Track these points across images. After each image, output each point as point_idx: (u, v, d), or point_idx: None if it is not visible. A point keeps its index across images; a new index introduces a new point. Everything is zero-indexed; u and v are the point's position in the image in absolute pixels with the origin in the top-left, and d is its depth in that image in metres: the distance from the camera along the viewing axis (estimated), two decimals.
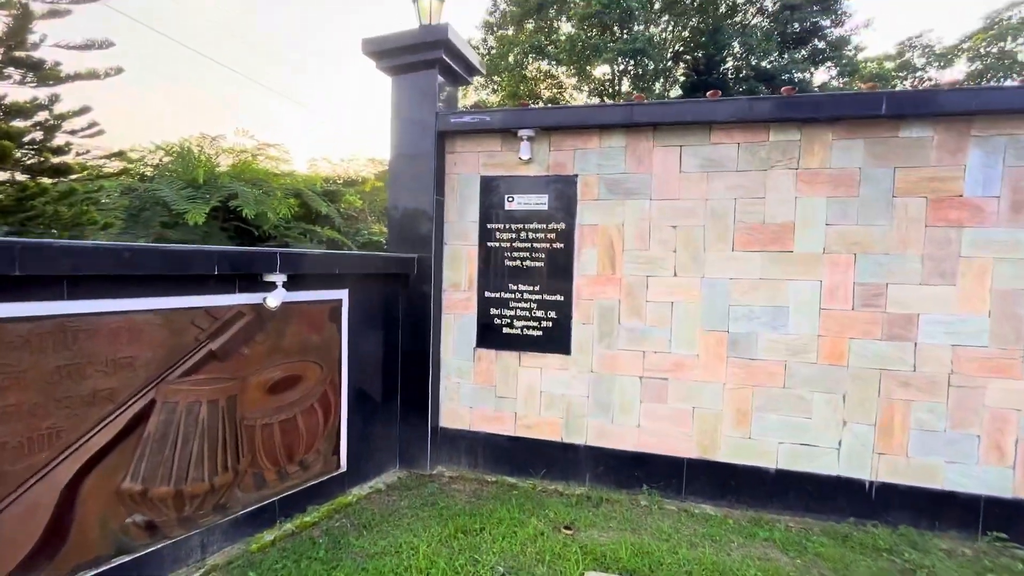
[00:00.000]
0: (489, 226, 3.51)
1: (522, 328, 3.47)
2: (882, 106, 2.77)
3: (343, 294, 3.12)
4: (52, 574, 1.93)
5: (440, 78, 3.46)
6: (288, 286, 2.66)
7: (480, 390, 3.58)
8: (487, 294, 3.54)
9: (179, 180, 6.69)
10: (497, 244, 3.50)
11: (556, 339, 3.41)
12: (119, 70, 10.35)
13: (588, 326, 3.34)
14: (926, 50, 17.41)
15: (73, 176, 9.01)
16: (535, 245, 3.42)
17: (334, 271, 2.97)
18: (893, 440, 2.89)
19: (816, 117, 2.87)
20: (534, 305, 3.45)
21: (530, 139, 3.32)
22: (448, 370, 3.64)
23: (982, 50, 15.37)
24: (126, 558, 2.15)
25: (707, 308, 3.13)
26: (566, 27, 18.33)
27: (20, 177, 8.67)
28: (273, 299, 2.58)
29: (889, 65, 18.03)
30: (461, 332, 3.61)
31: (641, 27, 16.93)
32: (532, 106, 2.99)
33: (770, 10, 17.32)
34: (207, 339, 2.39)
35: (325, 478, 3.05)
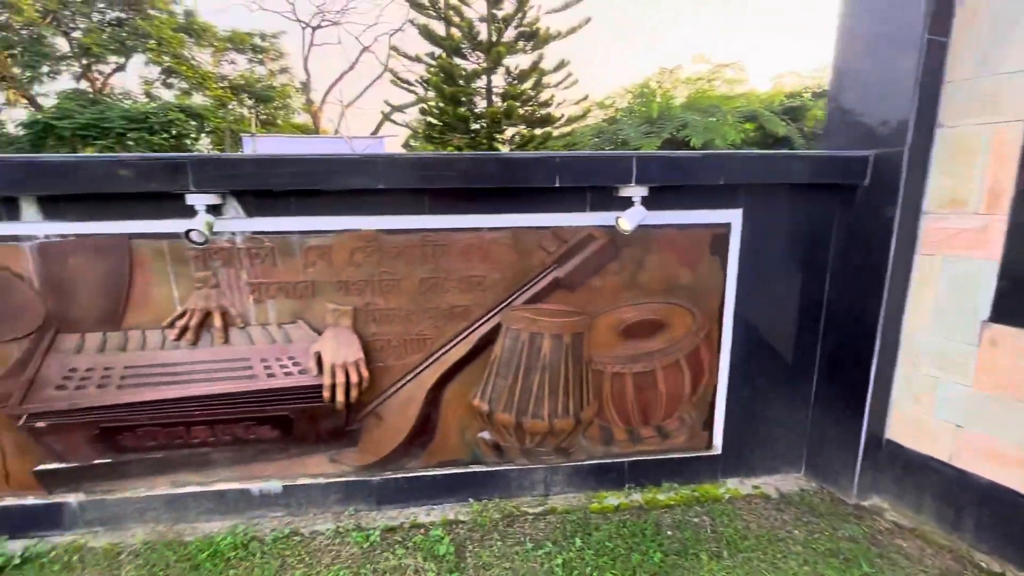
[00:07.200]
0: None
1: None
2: None
3: (733, 216, 2.17)
4: (422, 462, 2.18)
5: None
6: (650, 203, 2.00)
7: (986, 401, 1.91)
8: None
9: (638, 118, 7.27)
10: None
11: None
12: (586, 20, 11.72)
13: None
14: None
15: (558, 124, 11.10)
16: None
17: (718, 181, 2.05)
18: None
19: None
20: None
21: None
22: (915, 352, 2.12)
23: None
24: (480, 468, 2.23)
25: None
26: None
27: (523, 130, 11.36)
28: (627, 220, 1.97)
29: None
30: (953, 289, 1.98)
31: None
32: None
33: None
34: (552, 264, 2.08)
35: (690, 455, 2.37)
